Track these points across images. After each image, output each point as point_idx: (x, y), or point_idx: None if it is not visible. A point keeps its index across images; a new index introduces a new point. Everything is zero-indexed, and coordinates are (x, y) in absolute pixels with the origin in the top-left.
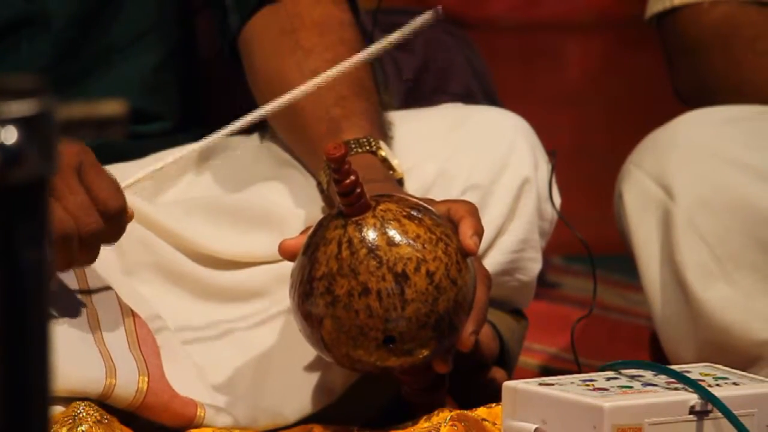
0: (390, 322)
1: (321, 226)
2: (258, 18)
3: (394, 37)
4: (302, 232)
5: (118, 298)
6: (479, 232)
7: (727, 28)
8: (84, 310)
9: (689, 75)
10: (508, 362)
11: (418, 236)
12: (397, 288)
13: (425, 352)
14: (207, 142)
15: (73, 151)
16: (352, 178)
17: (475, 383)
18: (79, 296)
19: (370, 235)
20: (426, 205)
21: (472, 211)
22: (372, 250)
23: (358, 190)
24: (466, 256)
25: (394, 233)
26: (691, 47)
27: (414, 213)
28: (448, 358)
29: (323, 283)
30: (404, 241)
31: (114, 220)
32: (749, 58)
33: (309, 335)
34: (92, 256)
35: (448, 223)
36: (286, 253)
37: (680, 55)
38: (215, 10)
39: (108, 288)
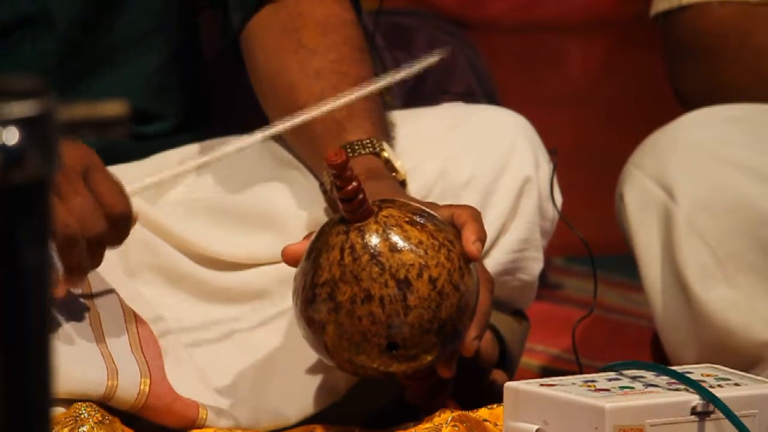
0: (393, 329)
1: (323, 232)
2: (260, 16)
3: (402, 74)
4: (305, 237)
5: (121, 299)
6: (482, 237)
7: (741, 24)
8: (86, 312)
9: (695, 74)
10: (509, 364)
11: (420, 242)
12: (400, 294)
13: (429, 358)
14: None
15: (79, 153)
16: (354, 184)
17: (474, 386)
18: (81, 298)
19: (373, 241)
20: (428, 210)
21: (475, 215)
22: (374, 257)
23: (360, 197)
24: (469, 261)
25: (396, 239)
26: (699, 45)
27: (416, 218)
28: (451, 362)
29: (326, 289)
30: (407, 247)
31: (119, 224)
32: (765, 55)
33: (312, 341)
34: (97, 259)
35: (451, 228)
36: (289, 258)
37: (686, 53)
38: (217, 8)
39: (110, 290)
